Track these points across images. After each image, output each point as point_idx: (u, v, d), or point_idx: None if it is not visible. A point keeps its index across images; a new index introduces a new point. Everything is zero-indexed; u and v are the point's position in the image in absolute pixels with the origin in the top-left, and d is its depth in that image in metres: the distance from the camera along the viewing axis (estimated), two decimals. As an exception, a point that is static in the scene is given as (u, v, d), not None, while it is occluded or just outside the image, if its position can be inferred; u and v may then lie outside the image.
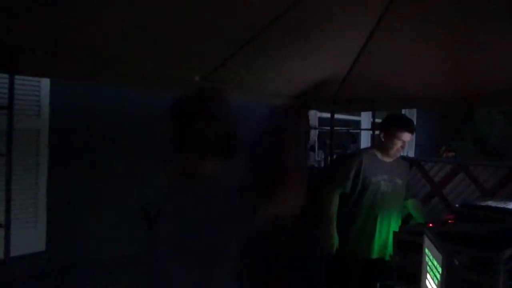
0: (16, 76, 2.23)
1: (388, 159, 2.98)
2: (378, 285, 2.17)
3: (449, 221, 2.48)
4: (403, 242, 2.23)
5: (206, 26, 2.35)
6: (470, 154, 7.54)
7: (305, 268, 3.90)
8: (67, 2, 1.92)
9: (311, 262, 3.90)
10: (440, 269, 1.49)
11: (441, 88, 3.23)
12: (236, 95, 2.50)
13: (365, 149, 3.33)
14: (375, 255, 2.92)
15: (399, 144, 2.87)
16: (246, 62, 2.87)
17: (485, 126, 7.91)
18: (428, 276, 1.67)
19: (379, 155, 2.98)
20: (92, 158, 3.20)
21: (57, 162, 3.03)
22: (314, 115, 4.86)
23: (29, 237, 2.91)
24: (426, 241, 1.74)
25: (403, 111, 4.51)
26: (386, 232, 2.88)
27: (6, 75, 2.19)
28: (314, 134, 4.87)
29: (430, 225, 2.31)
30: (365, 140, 6.00)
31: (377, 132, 4.17)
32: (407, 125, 2.89)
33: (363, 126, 6.06)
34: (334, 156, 4.43)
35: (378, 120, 4.15)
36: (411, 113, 5.91)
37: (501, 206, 2.34)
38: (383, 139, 2.95)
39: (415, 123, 3.19)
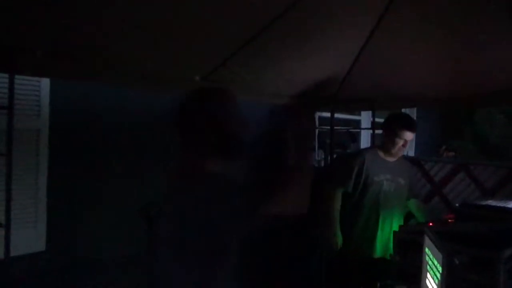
0: (16, 76, 2.23)
1: (390, 159, 2.97)
2: (378, 284, 2.17)
3: (449, 221, 2.48)
4: (403, 241, 2.23)
5: (206, 26, 2.34)
6: (470, 154, 7.54)
7: (305, 267, 3.90)
8: (67, 2, 1.92)
9: (311, 262, 3.90)
10: (440, 269, 1.48)
11: (441, 88, 3.23)
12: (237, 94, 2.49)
13: (368, 148, 3.32)
14: (377, 254, 2.92)
15: (401, 143, 2.86)
16: (246, 62, 2.87)
17: (485, 125, 7.91)
18: (428, 275, 1.67)
19: (381, 154, 2.98)
20: (92, 158, 3.20)
21: (57, 162, 3.03)
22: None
23: (29, 237, 2.92)
24: (426, 241, 1.74)
25: (403, 111, 4.49)
26: (388, 232, 2.88)
27: (6, 75, 2.19)
28: (314, 134, 4.86)
29: (430, 224, 2.31)
30: (365, 140, 6.01)
31: (378, 132, 4.18)
32: (409, 124, 2.88)
33: (363, 125, 6.07)
34: (334, 156, 4.43)
35: (378, 120, 4.16)
36: (411, 113, 5.91)
37: (501, 205, 2.34)
38: (385, 138, 2.96)
39: (415, 122, 3.18)
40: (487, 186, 3.77)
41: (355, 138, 5.62)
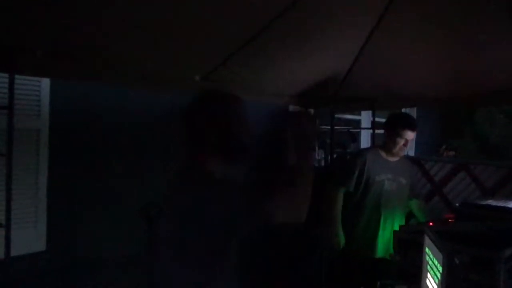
0: (16, 76, 2.23)
1: (392, 158, 2.97)
2: (378, 284, 2.17)
3: (450, 220, 2.48)
4: (403, 241, 2.22)
5: (206, 26, 2.34)
6: (471, 153, 7.54)
7: (306, 267, 3.90)
8: (67, 2, 1.92)
9: (312, 261, 3.90)
10: (440, 268, 1.48)
11: (441, 88, 3.23)
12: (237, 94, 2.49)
13: (369, 148, 3.33)
14: (378, 254, 2.91)
15: (402, 142, 2.87)
16: (246, 62, 2.87)
17: (486, 125, 7.91)
18: (428, 275, 1.67)
19: (383, 154, 2.98)
20: (92, 158, 3.20)
21: (57, 162, 3.03)
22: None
23: (29, 237, 2.92)
24: (427, 240, 1.74)
25: (403, 110, 4.50)
26: (389, 232, 2.87)
27: (6, 75, 2.19)
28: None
29: (431, 224, 2.31)
30: (365, 139, 6.00)
31: (378, 131, 4.18)
32: (409, 124, 2.89)
33: (363, 125, 6.06)
34: (334, 156, 4.43)
35: (378, 119, 4.16)
36: (411, 113, 5.91)
37: (502, 205, 2.34)
38: (386, 138, 2.96)
39: (415, 122, 3.18)
40: (487, 185, 3.77)
41: (355, 138, 5.62)
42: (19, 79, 2.44)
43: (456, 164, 4.09)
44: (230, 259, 1.45)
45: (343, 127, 5.18)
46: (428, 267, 1.67)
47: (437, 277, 1.52)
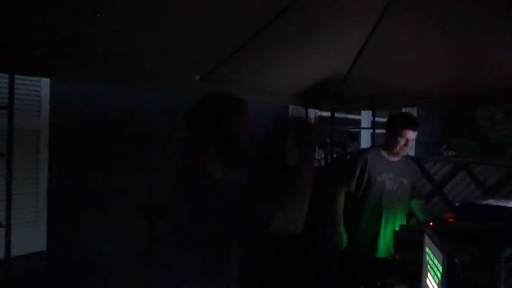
0: (16, 76, 2.23)
1: (394, 158, 2.97)
2: (378, 283, 2.17)
3: (450, 220, 2.48)
4: (403, 240, 2.22)
5: (206, 26, 2.35)
6: (471, 153, 7.53)
7: (307, 267, 3.90)
8: (67, 2, 1.92)
9: (312, 261, 3.90)
10: (440, 268, 1.48)
11: (441, 87, 3.23)
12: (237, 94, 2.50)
13: (371, 148, 3.32)
14: (380, 254, 2.91)
15: (402, 142, 2.86)
16: (246, 61, 2.87)
17: (486, 124, 7.90)
18: (428, 275, 1.66)
19: (384, 154, 2.97)
20: (92, 158, 3.20)
21: (57, 162, 3.03)
22: (314, 114, 4.87)
23: (30, 237, 2.92)
24: (427, 240, 1.74)
25: (403, 110, 4.50)
26: (391, 232, 2.86)
27: (6, 75, 2.19)
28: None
29: (431, 223, 2.30)
30: (365, 139, 6.00)
31: (378, 131, 4.18)
32: (410, 123, 2.88)
33: (363, 125, 6.06)
34: (334, 155, 4.43)
35: (378, 119, 4.16)
36: (411, 112, 5.90)
37: (502, 204, 2.34)
38: (387, 138, 2.96)
39: (415, 122, 3.18)
40: (487, 185, 3.77)
41: (355, 137, 5.62)
42: (19, 79, 2.44)
43: (456, 164, 4.09)
44: (230, 259, 1.45)
45: (343, 127, 5.18)
46: (428, 266, 1.67)
47: (437, 277, 1.52)
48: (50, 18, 1.99)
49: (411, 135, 2.86)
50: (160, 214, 1.51)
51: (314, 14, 2.44)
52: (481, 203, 2.48)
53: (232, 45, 2.65)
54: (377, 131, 4.17)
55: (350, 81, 3.48)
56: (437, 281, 1.53)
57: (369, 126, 4.99)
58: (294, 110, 4.49)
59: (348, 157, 4.53)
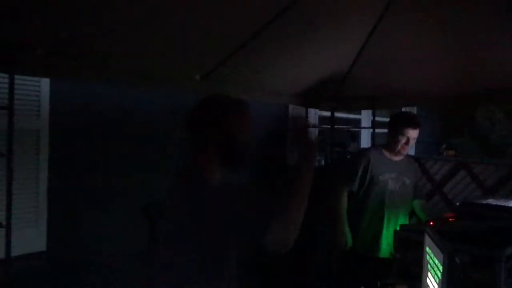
0: (16, 76, 2.22)
1: (396, 158, 2.97)
2: (378, 283, 2.17)
3: (450, 220, 2.48)
4: (404, 240, 2.22)
5: (206, 26, 2.35)
6: (471, 153, 7.53)
7: (309, 266, 3.90)
8: (67, 2, 1.92)
9: (312, 261, 3.90)
10: (441, 268, 1.48)
11: (441, 87, 3.23)
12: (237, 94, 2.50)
13: (373, 147, 3.32)
14: (383, 254, 2.90)
15: (403, 140, 2.86)
16: (246, 61, 2.87)
17: (486, 124, 7.90)
18: (429, 274, 1.67)
19: (387, 153, 2.97)
20: (93, 158, 3.20)
21: (58, 162, 3.03)
22: (314, 114, 4.87)
23: (30, 237, 2.92)
24: (427, 239, 1.74)
25: (403, 109, 4.50)
26: (393, 232, 2.87)
27: (6, 75, 2.19)
28: (314, 133, 4.87)
29: (431, 223, 2.31)
30: (365, 139, 6.00)
31: (378, 131, 4.18)
32: (410, 121, 2.88)
33: (363, 124, 6.06)
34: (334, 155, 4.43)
35: (378, 118, 4.16)
36: (412, 111, 5.90)
37: (502, 204, 2.34)
38: (388, 137, 2.96)
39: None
40: (487, 184, 3.76)
41: (355, 137, 5.62)
42: (19, 79, 2.44)
43: (456, 163, 4.08)
44: (230, 260, 1.46)
45: (343, 126, 5.18)
46: (429, 266, 1.67)
47: (438, 276, 1.52)
48: (50, 18, 1.99)
49: (412, 133, 2.86)
50: (160, 214, 1.51)
51: (314, 14, 2.44)
52: (481, 202, 2.48)
53: (232, 45, 2.65)
54: (377, 130, 4.17)
55: (350, 81, 3.48)
56: (437, 280, 1.53)
57: (369, 125, 4.98)
58: (294, 110, 4.49)
59: (348, 156, 4.54)
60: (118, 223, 3.20)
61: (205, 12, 2.22)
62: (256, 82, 3.30)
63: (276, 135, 4.19)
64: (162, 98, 3.40)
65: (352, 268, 2.99)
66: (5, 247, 2.17)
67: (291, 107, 4.50)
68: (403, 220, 2.94)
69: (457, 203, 2.67)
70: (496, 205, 2.33)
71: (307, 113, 4.48)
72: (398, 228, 2.64)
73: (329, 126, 4.32)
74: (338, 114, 4.78)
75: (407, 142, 2.87)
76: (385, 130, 3.06)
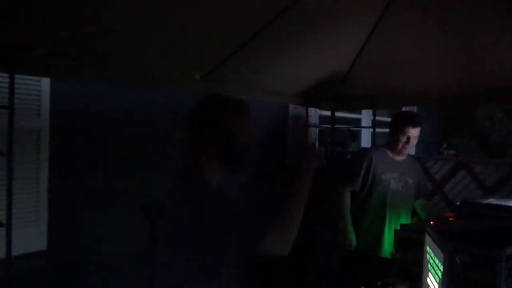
0: (17, 76, 2.23)
1: (398, 157, 2.97)
2: (378, 283, 2.17)
3: (450, 219, 2.48)
4: (404, 240, 2.23)
5: (206, 26, 2.35)
6: (471, 152, 7.53)
7: (309, 266, 3.90)
8: (67, 2, 1.92)
9: (315, 261, 3.90)
10: (441, 267, 1.48)
11: (441, 86, 3.23)
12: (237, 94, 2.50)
13: (375, 147, 3.32)
14: (385, 254, 2.90)
15: (403, 139, 2.86)
16: (247, 61, 2.87)
17: (486, 124, 7.91)
18: (429, 274, 1.67)
19: (389, 153, 2.97)
20: (93, 157, 3.20)
21: (58, 162, 3.03)
22: (314, 114, 4.87)
23: (30, 236, 2.92)
24: (427, 239, 1.74)
25: (403, 109, 4.51)
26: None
27: (6, 75, 2.19)
28: (314, 132, 4.87)
29: (431, 223, 2.31)
30: (365, 138, 6.00)
31: (379, 130, 4.18)
32: (410, 120, 2.88)
33: (363, 124, 6.06)
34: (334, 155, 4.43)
35: (378, 118, 4.16)
36: (412, 111, 5.90)
37: (502, 203, 2.34)
38: (390, 137, 2.96)
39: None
40: (487, 184, 3.77)
41: (356, 136, 5.62)
42: (19, 78, 2.44)
43: (456, 163, 4.09)
44: (230, 260, 1.46)
45: (343, 126, 5.18)
46: (429, 266, 1.67)
47: (438, 276, 1.52)
48: (50, 18, 1.99)
49: (413, 132, 2.86)
50: (160, 214, 1.51)
51: (314, 14, 2.44)
52: (482, 202, 2.48)
53: (232, 45, 2.65)
54: (377, 130, 4.17)
55: (350, 80, 3.48)
56: (437, 280, 1.53)
57: (370, 125, 4.98)
58: (294, 109, 4.49)
59: (348, 156, 4.53)
60: (118, 223, 3.20)
61: (205, 12, 2.22)
62: (256, 82, 3.30)
63: (276, 135, 4.19)
64: (162, 98, 3.40)
65: (352, 268, 2.99)
66: (5, 246, 2.17)
67: (291, 106, 4.50)
68: (405, 220, 2.94)
69: (457, 203, 2.68)
70: (496, 205, 2.34)
71: (307, 112, 4.47)
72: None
73: (329, 126, 4.31)
74: (338, 114, 4.78)
75: (407, 141, 2.87)
76: (386, 130, 3.06)
